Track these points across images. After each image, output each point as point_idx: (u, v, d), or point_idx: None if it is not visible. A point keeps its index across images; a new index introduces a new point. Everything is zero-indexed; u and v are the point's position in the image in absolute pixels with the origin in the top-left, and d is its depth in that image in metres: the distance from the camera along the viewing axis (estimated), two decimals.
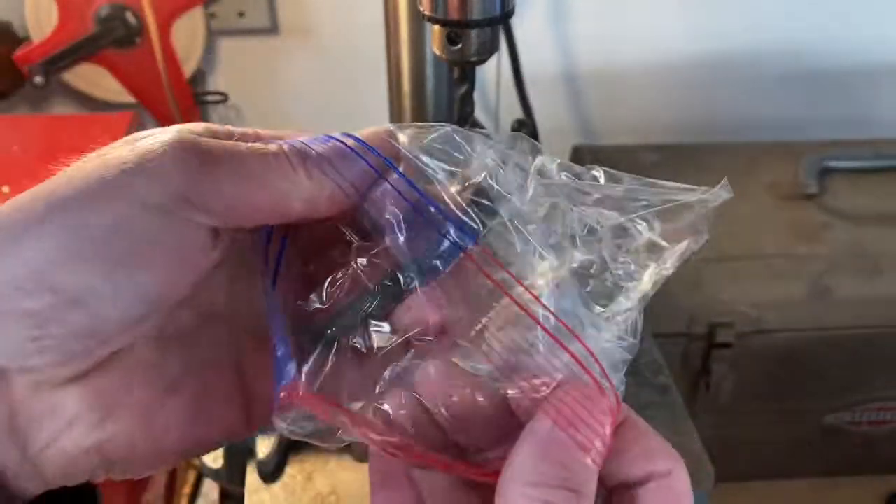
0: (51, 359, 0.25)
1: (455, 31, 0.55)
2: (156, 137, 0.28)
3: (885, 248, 1.02)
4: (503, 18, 0.55)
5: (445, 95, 0.69)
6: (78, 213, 0.26)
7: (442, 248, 0.28)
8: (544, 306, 0.27)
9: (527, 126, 1.14)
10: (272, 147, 0.28)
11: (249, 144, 0.28)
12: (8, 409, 0.26)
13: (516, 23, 1.21)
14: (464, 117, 0.62)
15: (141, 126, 1.10)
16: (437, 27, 0.55)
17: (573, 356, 0.26)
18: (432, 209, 0.28)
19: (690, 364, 1.05)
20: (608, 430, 0.26)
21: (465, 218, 0.28)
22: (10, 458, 0.26)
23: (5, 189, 0.94)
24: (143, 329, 0.28)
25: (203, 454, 0.29)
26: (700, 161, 1.18)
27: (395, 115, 0.71)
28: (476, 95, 0.61)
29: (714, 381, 1.04)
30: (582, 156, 1.20)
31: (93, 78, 1.21)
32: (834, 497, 1.17)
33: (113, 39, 1.16)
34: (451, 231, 0.28)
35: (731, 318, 1.01)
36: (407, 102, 0.70)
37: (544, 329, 0.27)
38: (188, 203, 0.27)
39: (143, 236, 0.26)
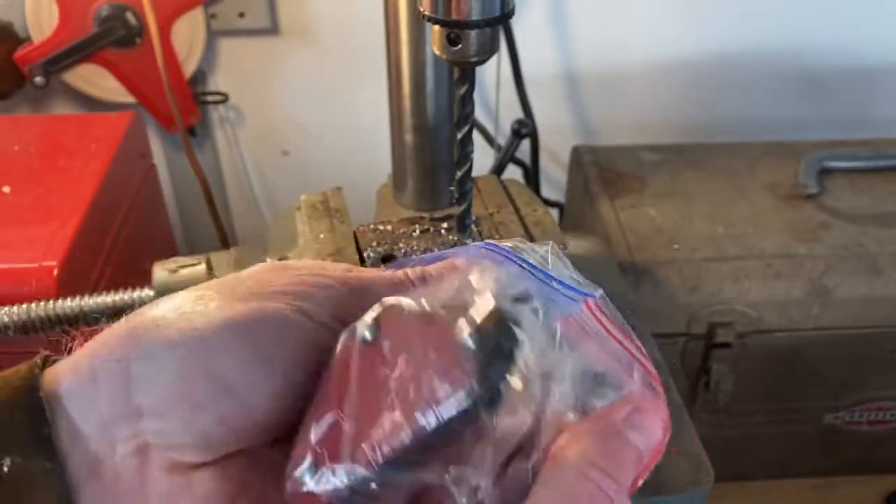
0: (192, 440, 0.29)
1: (455, 31, 0.55)
2: (318, 269, 0.34)
3: (885, 248, 1.02)
4: (503, 19, 0.55)
5: (445, 96, 0.69)
6: (251, 318, 0.31)
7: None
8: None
9: (527, 126, 1.14)
10: (399, 274, 0.35)
11: (379, 274, 0.35)
12: (142, 483, 0.29)
13: (516, 23, 1.22)
14: (464, 118, 0.62)
15: (141, 126, 1.11)
16: (437, 27, 0.56)
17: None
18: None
19: (690, 364, 1.05)
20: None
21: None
22: None
23: (6, 189, 0.94)
24: (275, 431, 0.31)
25: None
26: (700, 161, 1.18)
27: (395, 116, 0.72)
28: (476, 96, 0.61)
29: (714, 380, 1.04)
30: (582, 156, 1.20)
31: (93, 78, 1.21)
32: (833, 496, 1.17)
33: (113, 40, 1.16)
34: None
35: (730, 317, 1.01)
36: (407, 103, 0.70)
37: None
38: (340, 322, 0.32)
39: (306, 344, 0.31)
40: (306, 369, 0.31)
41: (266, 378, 0.30)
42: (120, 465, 0.29)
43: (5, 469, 0.28)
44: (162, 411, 0.29)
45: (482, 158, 1.01)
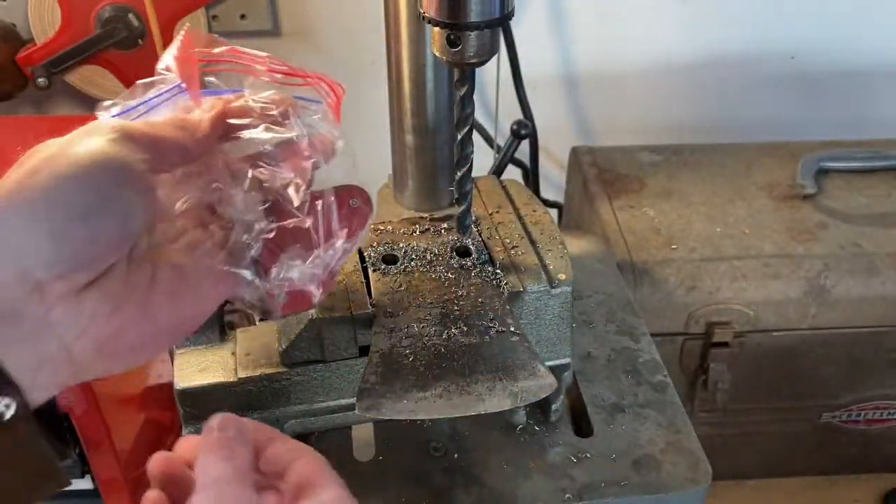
0: (68, 266, 0.38)
1: (454, 32, 0.56)
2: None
3: (881, 248, 1.02)
4: (502, 20, 0.56)
5: (445, 97, 0.70)
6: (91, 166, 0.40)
7: None
8: None
9: (526, 127, 1.15)
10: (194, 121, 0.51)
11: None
12: (44, 309, 0.38)
13: (515, 25, 1.22)
14: (463, 119, 0.62)
15: None
16: (436, 29, 0.56)
17: None
18: None
19: (688, 363, 1.06)
20: None
21: None
22: (48, 346, 0.38)
23: None
24: (124, 250, 0.41)
25: (191, 331, 0.46)
26: (698, 162, 1.19)
27: (395, 117, 0.72)
28: (476, 97, 0.62)
29: (711, 379, 1.05)
30: (580, 156, 1.21)
31: (95, 79, 1.22)
32: (830, 495, 1.18)
33: (115, 41, 1.17)
34: None
35: (728, 317, 1.01)
36: (407, 104, 0.70)
37: None
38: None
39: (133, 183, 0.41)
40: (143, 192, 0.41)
41: (113, 205, 0.39)
42: (22, 306, 0.37)
43: None
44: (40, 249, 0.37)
45: (482, 159, 1.01)
